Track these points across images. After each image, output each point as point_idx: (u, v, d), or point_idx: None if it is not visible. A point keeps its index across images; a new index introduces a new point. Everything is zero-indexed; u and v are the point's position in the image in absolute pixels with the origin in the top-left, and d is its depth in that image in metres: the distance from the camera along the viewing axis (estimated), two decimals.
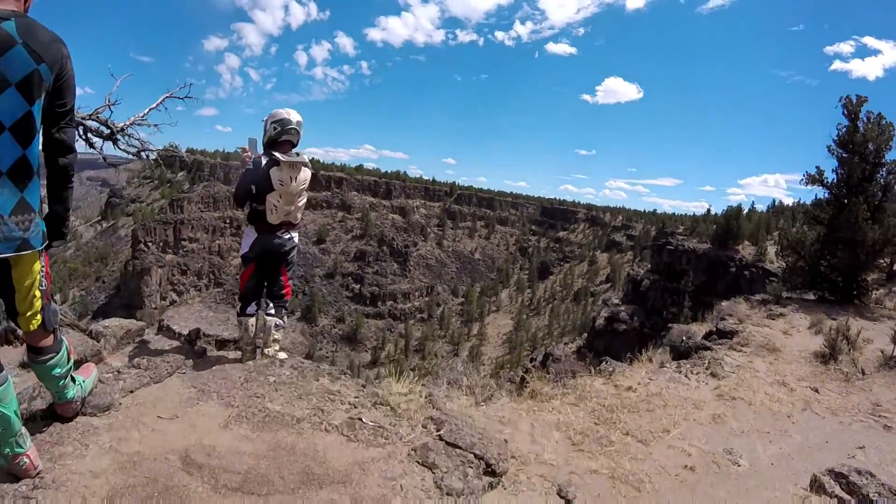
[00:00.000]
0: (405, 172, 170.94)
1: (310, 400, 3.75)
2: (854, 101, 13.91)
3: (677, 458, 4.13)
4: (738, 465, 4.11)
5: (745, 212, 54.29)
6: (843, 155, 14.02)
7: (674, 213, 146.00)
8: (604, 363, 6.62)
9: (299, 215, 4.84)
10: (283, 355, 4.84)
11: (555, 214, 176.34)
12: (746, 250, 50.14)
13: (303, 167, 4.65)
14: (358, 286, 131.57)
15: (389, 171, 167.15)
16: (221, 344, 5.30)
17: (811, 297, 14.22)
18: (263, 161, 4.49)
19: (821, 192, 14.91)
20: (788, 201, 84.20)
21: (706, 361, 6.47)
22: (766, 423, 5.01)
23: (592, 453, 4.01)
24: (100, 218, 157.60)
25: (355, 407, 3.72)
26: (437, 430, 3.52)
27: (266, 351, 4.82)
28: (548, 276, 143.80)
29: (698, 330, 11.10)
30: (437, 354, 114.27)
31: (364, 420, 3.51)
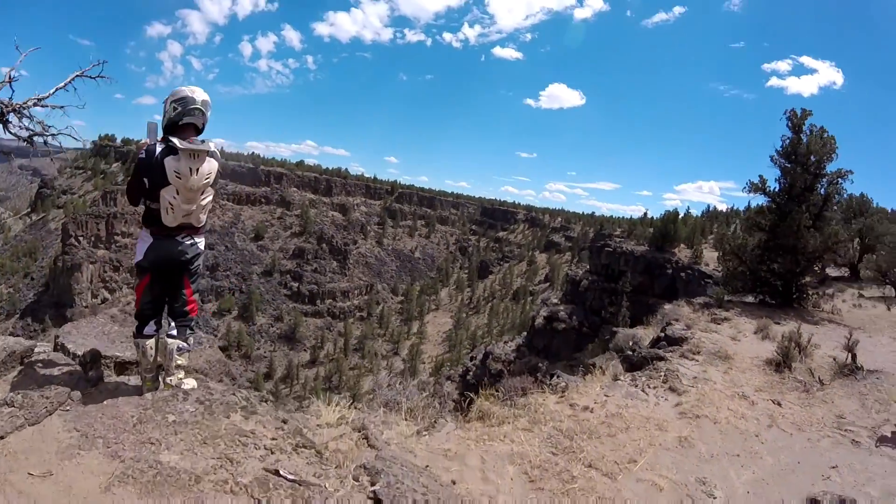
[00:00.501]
0: (346, 170, 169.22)
1: (216, 446, 3.02)
2: (798, 114, 14.18)
3: (649, 494, 3.67)
4: (714, 498, 3.72)
5: (681, 216, 55.73)
6: (786, 165, 14.30)
7: (612, 216, 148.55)
8: (555, 377, 6.20)
9: (203, 216, 4.03)
10: (190, 383, 4.04)
11: (495, 215, 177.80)
12: (683, 253, 51.41)
13: (207, 157, 3.88)
14: (296, 284, 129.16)
15: (330, 168, 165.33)
16: (121, 367, 4.54)
17: (751, 300, 14.39)
18: (158, 149, 3.73)
19: (762, 200, 15.23)
20: (722, 207, 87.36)
21: (662, 373, 6.14)
22: (734, 444, 4.64)
23: (554, 492, 3.48)
24: (29, 210, 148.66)
25: (273, 452, 3.03)
26: (372, 485, 2.85)
27: (168, 380, 3.99)
28: (487, 275, 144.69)
29: (644, 335, 10.92)
30: (377, 353, 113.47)
31: (282, 473, 2.81)
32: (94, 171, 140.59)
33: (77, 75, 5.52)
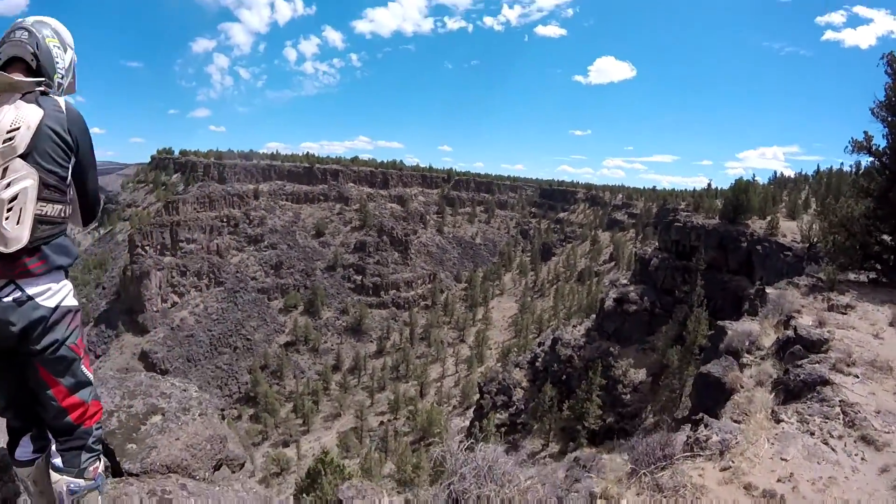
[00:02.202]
0: (401, 161, 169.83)
1: None
2: None
3: None
4: None
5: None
6: (891, 119, 12.34)
7: (674, 189, 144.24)
8: (702, 426, 4.95)
9: (24, 232, 2.24)
10: None
11: (554, 195, 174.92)
12: (756, 224, 48.47)
13: (18, 100, 2.30)
14: (360, 277, 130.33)
15: (385, 161, 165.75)
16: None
17: (853, 277, 12.68)
18: None
19: (845, 162, 13.40)
20: (789, 172, 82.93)
21: (836, 407, 4.86)
22: None
23: None
24: (97, 225, 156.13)
25: None
26: None
27: None
28: (550, 257, 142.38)
29: (760, 331, 9.57)
30: (443, 341, 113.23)
31: None
32: (154, 183, 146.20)
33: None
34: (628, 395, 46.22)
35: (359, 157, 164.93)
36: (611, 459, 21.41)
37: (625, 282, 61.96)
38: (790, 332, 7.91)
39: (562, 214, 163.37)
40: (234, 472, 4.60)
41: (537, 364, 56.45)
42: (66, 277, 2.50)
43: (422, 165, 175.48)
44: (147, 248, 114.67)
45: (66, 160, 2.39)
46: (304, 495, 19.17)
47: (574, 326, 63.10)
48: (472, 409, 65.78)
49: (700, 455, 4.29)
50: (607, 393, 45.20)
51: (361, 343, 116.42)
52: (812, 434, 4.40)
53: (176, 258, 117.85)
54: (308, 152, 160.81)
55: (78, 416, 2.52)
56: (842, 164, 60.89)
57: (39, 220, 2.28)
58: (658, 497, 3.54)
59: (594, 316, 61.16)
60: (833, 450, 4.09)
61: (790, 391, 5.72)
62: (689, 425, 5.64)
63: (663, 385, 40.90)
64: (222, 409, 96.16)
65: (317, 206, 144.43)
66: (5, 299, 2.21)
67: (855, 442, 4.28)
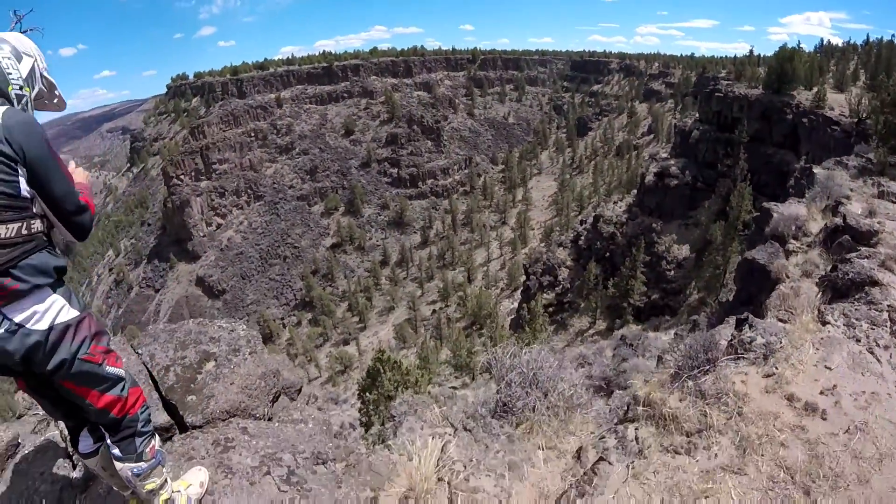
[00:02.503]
0: (422, 47, 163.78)
1: None
2: None
3: None
4: None
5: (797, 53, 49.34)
6: None
7: (713, 56, 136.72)
8: (746, 328, 5.08)
9: None
10: (190, 492, 2.97)
11: (586, 67, 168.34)
12: (802, 95, 46.00)
13: None
14: (395, 170, 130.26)
15: (406, 49, 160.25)
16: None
17: None
18: None
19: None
20: (836, 41, 77.21)
21: (883, 313, 4.92)
22: None
23: None
24: (129, 166, 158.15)
25: None
26: None
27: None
28: (586, 132, 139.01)
29: (808, 217, 9.49)
30: (485, 225, 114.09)
31: None
32: (175, 112, 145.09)
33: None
34: (672, 272, 46.49)
35: (377, 48, 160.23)
36: (656, 338, 21.96)
37: (665, 155, 60.69)
38: (839, 220, 7.78)
39: (595, 87, 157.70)
40: (292, 399, 4.82)
41: (580, 242, 56.77)
42: (56, 291, 2.36)
43: (444, 48, 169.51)
44: (182, 177, 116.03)
45: (10, 173, 2.17)
46: (367, 394, 20.38)
47: (615, 203, 62.74)
48: (519, 291, 67.22)
49: (744, 358, 4.40)
50: (651, 269, 45.56)
51: (405, 235, 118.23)
52: (858, 341, 4.48)
53: (212, 181, 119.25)
54: (324, 51, 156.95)
55: (119, 409, 2.60)
56: (893, 35, 56.39)
57: None
58: (701, 404, 3.75)
59: (635, 191, 60.54)
60: (878, 360, 4.19)
61: (837, 289, 5.73)
62: (735, 321, 5.78)
63: (707, 261, 40.93)
64: (282, 318, 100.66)
65: (342, 105, 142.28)
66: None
67: None
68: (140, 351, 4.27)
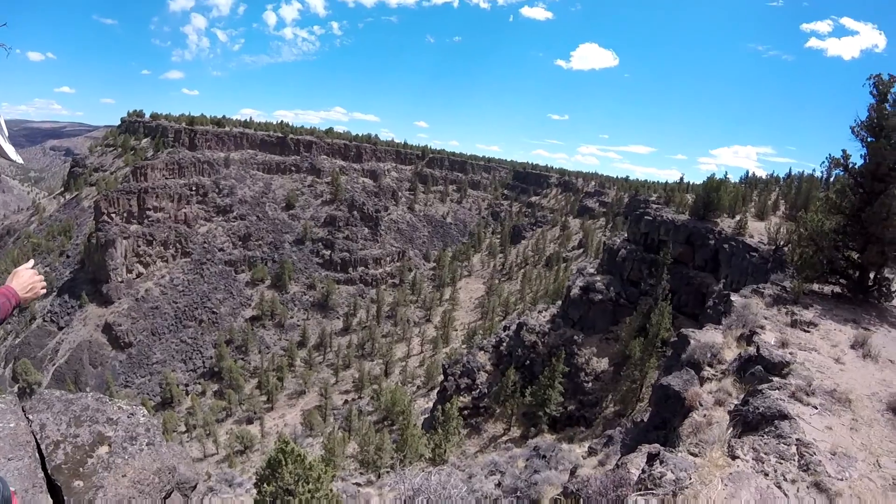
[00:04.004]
0: (376, 136, 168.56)
1: None
2: (886, 79, 12.34)
3: None
4: None
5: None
6: (871, 140, 12.48)
7: (647, 181, 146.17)
8: (656, 462, 4.90)
9: None
10: None
11: (527, 179, 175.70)
12: (725, 222, 49.24)
13: None
14: (328, 252, 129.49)
15: (360, 135, 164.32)
16: None
17: (826, 291, 12.94)
18: None
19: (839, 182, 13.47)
20: (761, 173, 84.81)
21: (792, 446, 4.88)
22: None
23: None
24: (63, 189, 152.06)
25: None
26: None
27: None
28: (520, 240, 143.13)
29: (724, 344, 9.65)
30: (410, 320, 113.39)
31: None
32: (124, 147, 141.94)
33: None
34: (590, 384, 46.93)
35: (333, 129, 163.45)
36: (569, 450, 21.73)
37: (592, 270, 62.48)
38: (752, 350, 7.99)
39: (534, 198, 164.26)
40: (185, 496, 4.46)
41: (502, 348, 56.84)
42: None
43: (397, 141, 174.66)
44: (113, 215, 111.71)
45: None
46: (266, 485, 19.02)
47: (540, 312, 63.57)
48: (435, 391, 66.16)
49: (654, 494, 4.25)
50: (570, 380, 45.80)
51: (328, 319, 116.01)
52: (766, 475, 4.42)
53: (142, 226, 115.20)
54: (282, 121, 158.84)
55: None
56: (813, 169, 62.53)
57: None
58: None
59: (560, 302, 61.70)
60: (786, 495, 4.11)
61: (748, 422, 5.75)
62: (646, 455, 5.60)
63: (625, 375, 41.67)
64: (187, 384, 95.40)
65: (288, 178, 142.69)
66: None
67: (808, 488, 4.30)
68: (31, 417, 4.03)
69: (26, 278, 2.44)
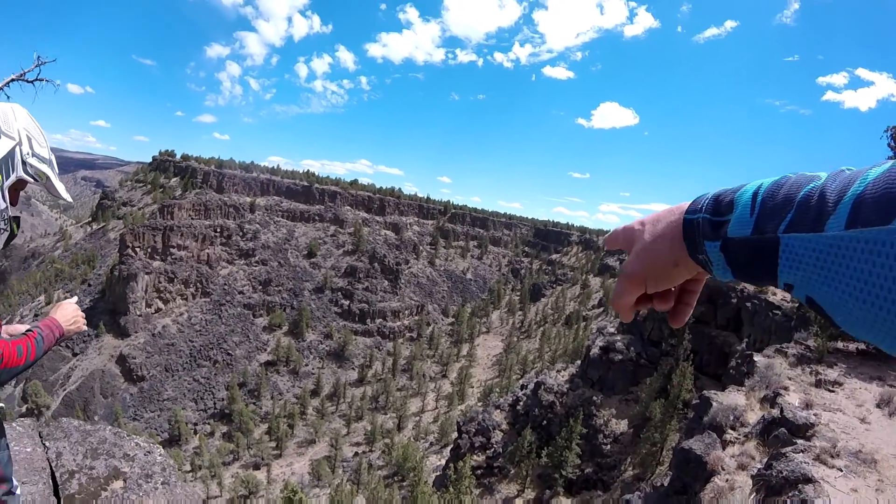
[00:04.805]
0: (400, 189, 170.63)
1: None
2: None
3: None
4: None
5: None
6: None
7: None
8: None
9: None
10: None
11: (548, 236, 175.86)
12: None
13: None
14: (347, 302, 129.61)
15: (384, 188, 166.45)
16: None
17: (850, 348, 12.67)
18: None
19: None
20: None
21: None
22: None
23: None
24: (90, 219, 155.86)
25: None
26: None
27: None
28: (540, 298, 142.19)
29: (746, 406, 9.41)
30: (426, 375, 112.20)
31: None
32: (153, 184, 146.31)
33: (13, 79, 4.52)
34: (608, 446, 45.66)
35: (358, 181, 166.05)
36: None
37: (612, 330, 61.69)
38: (776, 412, 7.76)
39: (554, 256, 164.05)
40: None
41: (518, 407, 55.76)
42: None
43: (420, 195, 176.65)
44: (137, 249, 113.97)
45: None
46: None
47: (558, 371, 62.61)
48: (449, 448, 64.85)
49: None
50: (587, 442, 44.68)
51: (343, 369, 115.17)
52: None
53: (165, 263, 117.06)
54: (308, 170, 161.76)
55: None
56: None
57: None
58: None
59: (579, 362, 60.75)
60: None
61: (772, 487, 5.53)
62: None
63: (644, 438, 40.49)
64: (196, 424, 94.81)
65: (311, 226, 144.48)
66: None
67: None
68: (48, 444, 4.04)
69: (70, 312, 2.47)
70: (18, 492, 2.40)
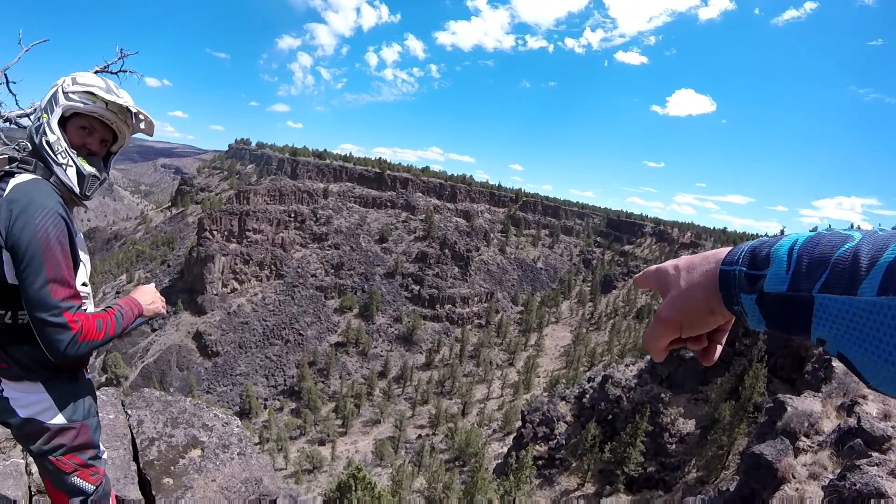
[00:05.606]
0: (471, 176, 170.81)
1: None
2: None
3: None
4: None
5: None
6: None
7: (745, 233, 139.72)
8: None
9: None
10: None
11: (621, 227, 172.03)
12: None
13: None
14: (417, 287, 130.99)
15: (455, 175, 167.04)
16: None
17: None
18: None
19: None
20: (866, 226, 79.80)
21: None
22: None
23: None
24: (170, 204, 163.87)
25: None
26: None
27: None
28: (611, 290, 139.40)
29: (821, 412, 8.82)
30: (492, 362, 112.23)
31: None
32: (229, 171, 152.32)
33: (97, 70, 4.57)
34: (673, 446, 44.39)
35: (429, 168, 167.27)
36: None
37: None
38: (853, 422, 7.23)
39: (627, 247, 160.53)
40: None
41: (584, 400, 54.93)
42: (49, 390, 2.21)
43: (491, 183, 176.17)
44: (215, 232, 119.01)
45: None
46: None
47: (627, 366, 61.21)
48: (511, 437, 64.75)
49: None
50: (652, 440, 43.56)
51: (411, 353, 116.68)
52: None
53: (241, 246, 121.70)
54: (380, 157, 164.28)
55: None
56: None
57: None
58: None
59: (648, 357, 59.32)
60: None
61: (843, 500, 5.13)
62: None
63: (711, 440, 39.13)
64: (265, 399, 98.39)
65: (383, 212, 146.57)
66: None
67: None
68: (130, 412, 4.26)
69: (149, 294, 2.55)
70: (105, 456, 2.55)
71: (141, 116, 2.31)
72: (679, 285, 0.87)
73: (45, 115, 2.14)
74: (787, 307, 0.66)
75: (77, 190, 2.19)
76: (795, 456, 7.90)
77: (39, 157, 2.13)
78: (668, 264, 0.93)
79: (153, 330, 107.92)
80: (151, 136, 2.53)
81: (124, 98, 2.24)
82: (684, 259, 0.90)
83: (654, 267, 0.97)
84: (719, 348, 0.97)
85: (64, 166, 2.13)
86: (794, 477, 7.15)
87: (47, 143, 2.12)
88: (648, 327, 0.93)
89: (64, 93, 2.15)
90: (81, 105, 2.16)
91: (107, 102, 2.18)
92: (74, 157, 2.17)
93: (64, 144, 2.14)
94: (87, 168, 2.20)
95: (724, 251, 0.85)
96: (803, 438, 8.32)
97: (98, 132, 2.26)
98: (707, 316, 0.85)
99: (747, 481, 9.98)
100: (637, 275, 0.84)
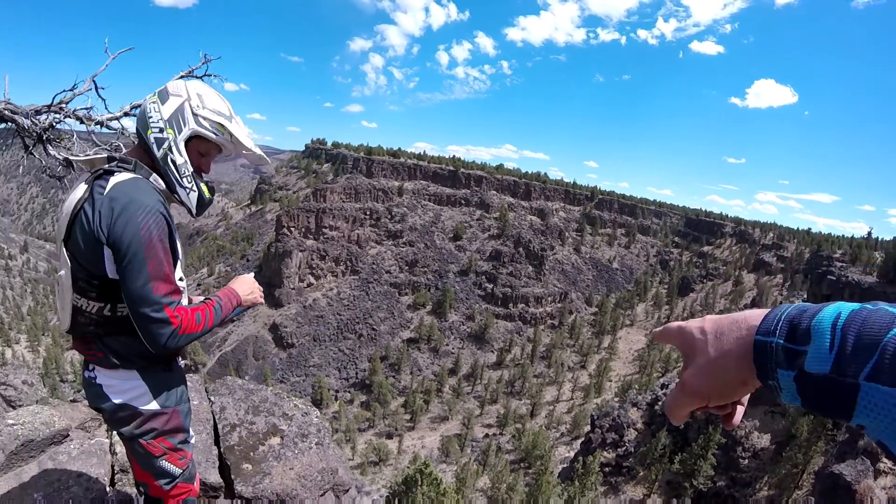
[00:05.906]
0: (545, 174, 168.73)
1: None
2: None
3: None
4: None
5: None
6: None
7: (830, 234, 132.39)
8: None
9: (65, 317, 2.22)
10: None
11: (700, 227, 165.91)
12: None
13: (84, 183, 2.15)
14: (491, 286, 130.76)
15: (529, 172, 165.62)
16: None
17: None
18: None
19: None
20: None
21: None
22: None
23: None
24: (249, 202, 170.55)
25: None
26: None
27: None
28: (688, 292, 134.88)
29: None
30: (564, 364, 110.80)
31: None
32: (306, 170, 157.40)
33: (183, 75, 4.83)
34: (746, 461, 42.53)
35: (503, 166, 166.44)
36: None
37: None
38: None
39: (706, 248, 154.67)
40: (338, 497, 4.77)
41: (656, 407, 53.48)
42: (144, 377, 2.31)
43: (566, 180, 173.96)
44: (292, 229, 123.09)
45: (93, 254, 2.03)
46: (397, 501, 19.25)
47: None
48: (579, 441, 63.79)
49: None
50: (724, 453, 41.92)
51: (482, 351, 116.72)
52: None
53: (318, 242, 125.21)
54: (454, 155, 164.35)
55: (158, 494, 2.58)
56: None
57: (77, 311, 2.17)
58: None
59: None
60: None
61: None
62: None
63: (786, 457, 37.21)
64: (337, 391, 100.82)
65: (457, 210, 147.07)
66: (86, 374, 2.32)
67: None
68: (213, 399, 4.53)
69: (248, 284, 2.73)
70: (193, 440, 2.70)
71: (251, 153, 2.51)
72: (707, 352, 0.82)
73: (170, 132, 2.19)
74: (829, 389, 0.62)
75: (195, 213, 2.38)
76: (875, 478, 7.42)
77: (159, 172, 2.20)
78: (694, 326, 0.87)
79: (232, 321, 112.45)
80: (261, 167, 2.56)
81: (244, 136, 2.37)
82: (711, 321, 0.84)
83: (676, 324, 0.91)
84: (741, 410, 0.94)
85: (188, 190, 2.25)
86: (871, 500, 6.74)
87: (173, 162, 2.20)
88: (672, 393, 0.88)
89: (193, 114, 2.22)
90: (212, 136, 2.28)
91: (231, 135, 2.32)
92: (199, 183, 2.31)
93: (191, 169, 2.25)
94: (208, 196, 2.38)
95: (755, 316, 0.77)
96: (885, 460, 7.82)
97: (213, 156, 2.41)
98: (739, 387, 0.81)
99: (824, 502, 9.38)
100: (657, 329, 0.81)
